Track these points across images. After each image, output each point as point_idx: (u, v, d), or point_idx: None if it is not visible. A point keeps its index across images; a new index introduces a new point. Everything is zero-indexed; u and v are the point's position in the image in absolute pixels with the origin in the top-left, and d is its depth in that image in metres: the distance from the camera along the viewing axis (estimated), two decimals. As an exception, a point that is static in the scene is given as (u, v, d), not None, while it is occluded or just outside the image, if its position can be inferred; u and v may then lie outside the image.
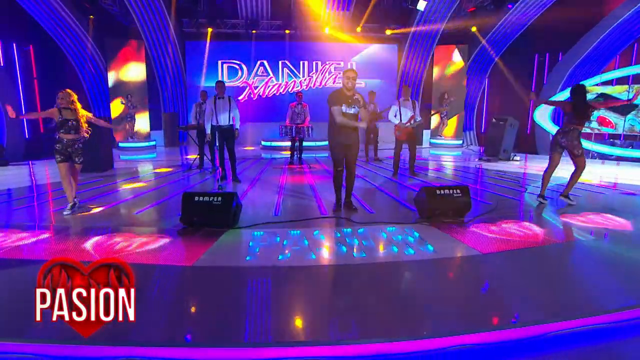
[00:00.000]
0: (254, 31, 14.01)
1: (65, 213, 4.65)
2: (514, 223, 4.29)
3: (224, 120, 6.66)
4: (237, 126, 6.84)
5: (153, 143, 13.30)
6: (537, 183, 6.60)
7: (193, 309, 2.54)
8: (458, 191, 4.47)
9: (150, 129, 13.70)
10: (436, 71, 14.83)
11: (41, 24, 11.65)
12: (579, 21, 11.42)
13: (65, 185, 4.75)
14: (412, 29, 13.68)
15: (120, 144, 12.62)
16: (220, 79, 14.24)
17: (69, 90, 4.65)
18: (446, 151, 13.33)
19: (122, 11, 12.36)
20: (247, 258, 3.27)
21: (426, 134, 15.47)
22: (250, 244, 3.61)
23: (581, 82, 5.34)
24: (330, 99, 4.56)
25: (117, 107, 13.08)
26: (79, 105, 4.69)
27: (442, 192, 4.45)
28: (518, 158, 10.36)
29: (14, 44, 11.54)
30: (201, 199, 4.08)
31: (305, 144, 9.85)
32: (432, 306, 2.52)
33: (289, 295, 2.71)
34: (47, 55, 12.06)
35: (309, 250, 3.41)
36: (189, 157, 10.73)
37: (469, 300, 2.61)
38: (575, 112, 4.93)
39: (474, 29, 13.72)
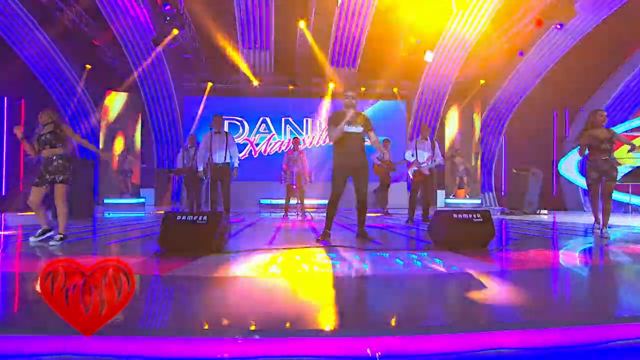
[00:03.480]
0: (257, 83, 14.61)
1: (31, 239, 4.31)
2: (547, 250, 3.99)
3: (219, 157, 6.53)
4: (236, 164, 6.70)
5: (142, 200, 13.22)
6: (573, 230, 6.59)
7: (148, 304, 2.23)
8: (478, 216, 4.18)
9: (141, 186, 13.75)
10: (448, 128, 15.18)
11: (37, 76, 12.35)
12: (596, 74, 11.90)
13: (36, 212, 4.46)
14: (421, 82, 14.22)
15: (106, 200, 12.58)
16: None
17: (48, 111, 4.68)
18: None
19: (122, 65, 13.14)
20: (230, 270, 2.99)
21: (440, 194, 15.38)
22: (237, 258, 3.35)
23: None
24: (330, 119, 4.72)
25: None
26: (58, 122, 4.66)
27: (460, 216, 4.18)
28: (546, 212, 10.05)
29: (5, 98, 12.19)
30: (184, 218, 3.88)
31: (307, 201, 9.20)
32: (450, 306, 2.20)
33: (276, 296, 2.40)
34: (39, 109, 12.57)
35: (304, 267, 3.12)
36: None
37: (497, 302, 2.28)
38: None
39: (482, 81, 14.26)
